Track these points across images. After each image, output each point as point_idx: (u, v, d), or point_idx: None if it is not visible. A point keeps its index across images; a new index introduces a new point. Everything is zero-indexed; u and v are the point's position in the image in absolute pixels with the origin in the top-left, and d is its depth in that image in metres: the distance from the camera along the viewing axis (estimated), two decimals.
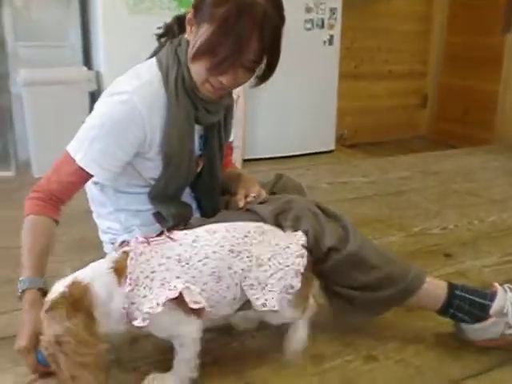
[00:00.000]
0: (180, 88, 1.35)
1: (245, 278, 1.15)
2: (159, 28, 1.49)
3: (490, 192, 2.74)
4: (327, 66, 3.41)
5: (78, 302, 1.03)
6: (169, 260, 1.09)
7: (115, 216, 1.52)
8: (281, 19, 1.33)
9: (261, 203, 1.49)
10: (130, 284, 1.03)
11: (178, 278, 1.07)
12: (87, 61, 3.09)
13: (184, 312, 1.08)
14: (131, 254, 1.06)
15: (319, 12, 3.19)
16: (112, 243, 1.56)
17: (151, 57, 1.45)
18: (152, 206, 1.48)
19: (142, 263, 1.06)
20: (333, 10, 3.24)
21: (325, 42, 3.30)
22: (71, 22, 3.01)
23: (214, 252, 1.14)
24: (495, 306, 1.30)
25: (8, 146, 3.01)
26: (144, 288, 1.04)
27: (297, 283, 1.16)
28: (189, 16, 1.34)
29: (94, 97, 2.80)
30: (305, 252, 1.21)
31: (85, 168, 1.32)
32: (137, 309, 1.04)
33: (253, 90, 3.21)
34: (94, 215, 1.61)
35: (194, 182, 1.56)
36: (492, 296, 1.32)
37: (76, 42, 3.03)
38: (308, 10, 3.15)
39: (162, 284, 1.06)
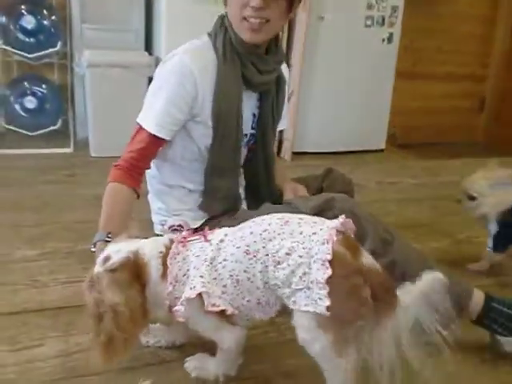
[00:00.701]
0: (228, 49, 1.44)
1: (267, 279, 1.05)
2: None
3: None
4: (384, 64, 3.38)
5: (139, 274, 1.07)
6: (198, 259, 1.09)
7: (167, 196, 1.59)
8: None
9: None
10: (171, 283, 1.08)
11: (201, 277, 1.06)
12: (148, 46, 3.17)
13: (217, 317, 1.09)
14: (170, 254, 1.10)
15: (380, 9, 3.16)
16: (162, 224, 1.63)
17: None
18: (205, 184, 1.53)
19: (179, 262, 1.10)
20: (394, 8, 3.20)
21: (384, 40, 3.27)
22: (135, 8, 3.10)
23: (232, 254, 1.08)
24: None
25: (68, 124, 3.13)
26: (182, 285, 1.08)
27: (324, 275, 0.97)
28: None
29: None
30: (333, 236, 1.01)
31: (150, 131, 1.41)
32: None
33: (306, 85, 3.26)
34: (149, 196, 1.69)
35: (248, 163, 1.62)
36: None
37: (139, 27, 3.12)
38: (369, 6, 3.13)
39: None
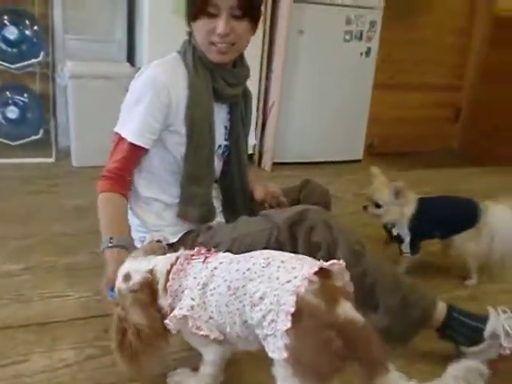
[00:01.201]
0: (198, 64, 1.51)
1: (245, 317, 1.07)
2: None
3: None
4: (362, 77, 3.47)
5: (155, 292, 1.16)
6: (194, 281, 1.14)
7: (144, 212, 1.63)
8: None
9: (278, 205, 1.62)
10: (171, 295, 1.14)
11: (192, 299, 1.12)
12: (130, 58, 3.21)
13: (202, 337, 1.14)
14: (174, 269, 1.16)
15: (359, 24, 3.25)
16: (142, 241, 1.68)
17: None
18: (181, 192, 1.58)
19: (182, 278, 1.15)
20: (372, 23, 3.29)
21: (362, 54, 3.35)
22: (118, 19, 3.13)
23: (219, 285, 1.11)
24: (489, 329, 1.37)
25: (50, 134, 3.15)
26: (179, 300, 1.14)
27: (284, 328, 0.97)
28: None
29: None
30: (302, 288, 0.98)
31: (129, 140, 1.47)
32: None
33: (286, 97, 3.32)
34: (130, 213, 1.73)
35: (224, 176, 1.69)
36: (486, 319, 1.39)
37: (122, 38, 3.15)
38: (348, 21, 3.20)
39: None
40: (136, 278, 1.16)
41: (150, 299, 1.15)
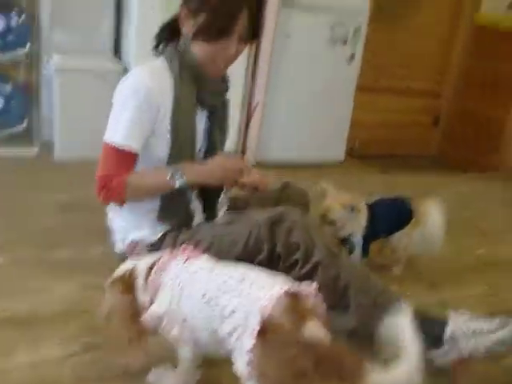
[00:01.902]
0: (184, 71, 1.56)
1: (216, 327, 1.10)
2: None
3: (483, 223, 2.86)
4: (346, 81, 3.51)
5: (130, 286, 1.21)
6: (173, 282, 1.18)
7: (126, 213, 1.66)
8: None
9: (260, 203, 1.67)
10: (151, 291, 1.19)
11: (169, 299, 1.17)
12: (117, 51, 3.21)
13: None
14: (154, 269, 1.21)
15: (344, 29, 3.29)
16: (123, 241, 1.71)
17: None
18: (161, 199, 1.61)
19: (163, 275, 1.20)
20: (357, 29, 3.33)
21: (346, 58, 3.39)
22: (106, 12, 3.12)
23: (196, 291, 1.14)
24: (448, 332, 1.42)
25: (32, 126, 3.14)
26: (158, 298, 1.19)
27: (248, 345, 1.00)
28: (182, 13, 1.56)
29: None
30: (270, 305, 1.01)
31: (121, 146, 1.50)
32: None
33: (271, 98, 3.35)
34: (108, 217, 1.75)
35: None
36: (446, 323, 1.44)
37: (108, 32, 3.15)
38: (334, 26, 3.24)
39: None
40: (113, 275, 1.25)
41: (125, 291, 1.21)
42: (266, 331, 1.00)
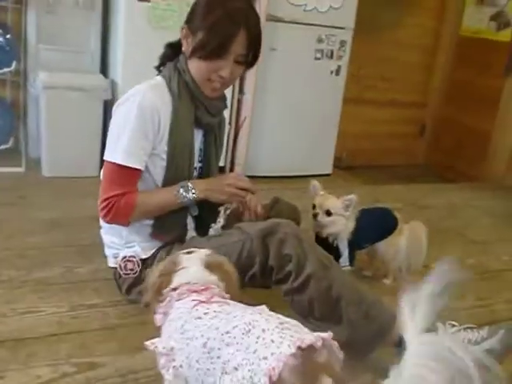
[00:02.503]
0: (183, 91, 1.57)
1: (216, 379, 1.01)
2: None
3: (472, 232, 2.87)
4: (332, 94, 3.55)
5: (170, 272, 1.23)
6: (179, 320, 1.12)
7: (119, 229, 1.67)
8: (257, 17, 1.58)
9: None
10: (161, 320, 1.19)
11: (173, 341, 1.10)
12: (103, 69, 3.21)
13: None
14: (168, 297, 1.18)
15: (330, 43, 3.33)
16: (115, 257, 1.71)
17: None
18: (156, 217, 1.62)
19: (171, 307, 1.17)
20: (342, 43, 3.38)
21: (332, 72, 3.43)
22: (92, 30, 3.14)
23: (196, 338, 1.06)
24: None
25: (19, 143, 3.12)
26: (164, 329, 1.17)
27: None
28: (183, 32, 1.57)
29: (107, 105, 2.92)
30: (277, 367, 0.90)
31: (125, 164, 1.51)
32: None
33: (258, 112, 3.38)
34: (101, 231, 1.76)
35: None
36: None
37: (95, 49, 3.16)
38: (319, 40, 3.28)
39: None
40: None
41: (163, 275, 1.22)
42: None
